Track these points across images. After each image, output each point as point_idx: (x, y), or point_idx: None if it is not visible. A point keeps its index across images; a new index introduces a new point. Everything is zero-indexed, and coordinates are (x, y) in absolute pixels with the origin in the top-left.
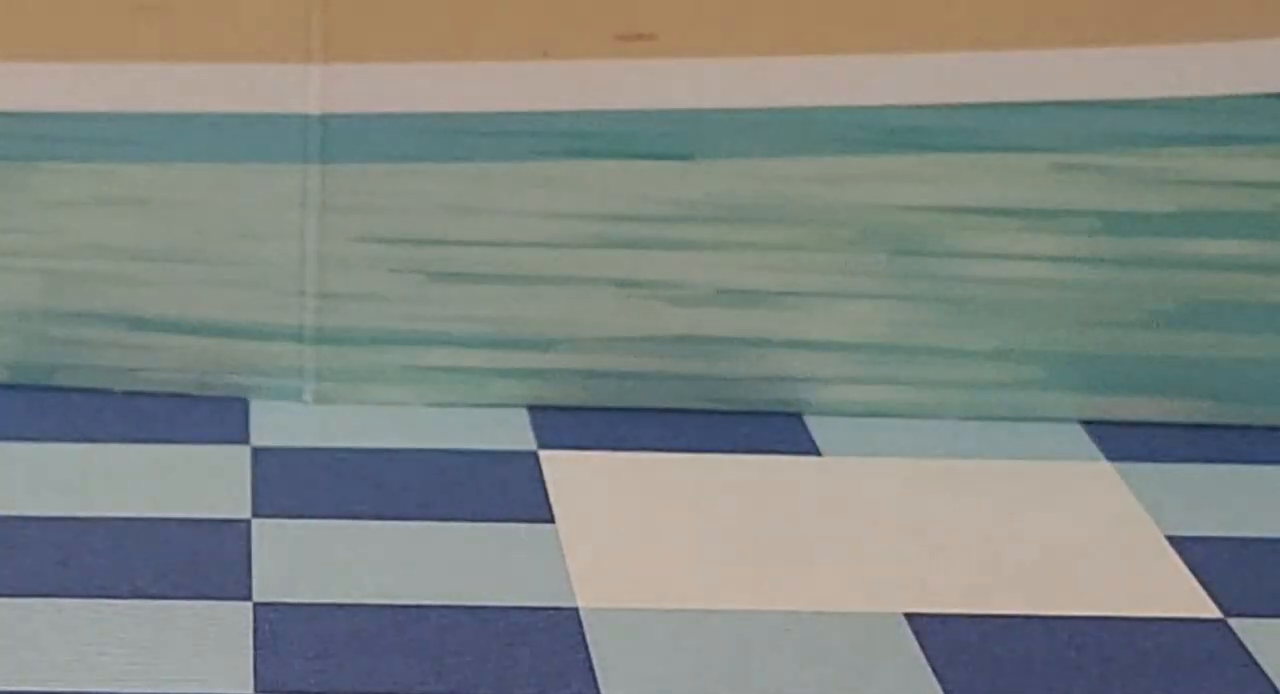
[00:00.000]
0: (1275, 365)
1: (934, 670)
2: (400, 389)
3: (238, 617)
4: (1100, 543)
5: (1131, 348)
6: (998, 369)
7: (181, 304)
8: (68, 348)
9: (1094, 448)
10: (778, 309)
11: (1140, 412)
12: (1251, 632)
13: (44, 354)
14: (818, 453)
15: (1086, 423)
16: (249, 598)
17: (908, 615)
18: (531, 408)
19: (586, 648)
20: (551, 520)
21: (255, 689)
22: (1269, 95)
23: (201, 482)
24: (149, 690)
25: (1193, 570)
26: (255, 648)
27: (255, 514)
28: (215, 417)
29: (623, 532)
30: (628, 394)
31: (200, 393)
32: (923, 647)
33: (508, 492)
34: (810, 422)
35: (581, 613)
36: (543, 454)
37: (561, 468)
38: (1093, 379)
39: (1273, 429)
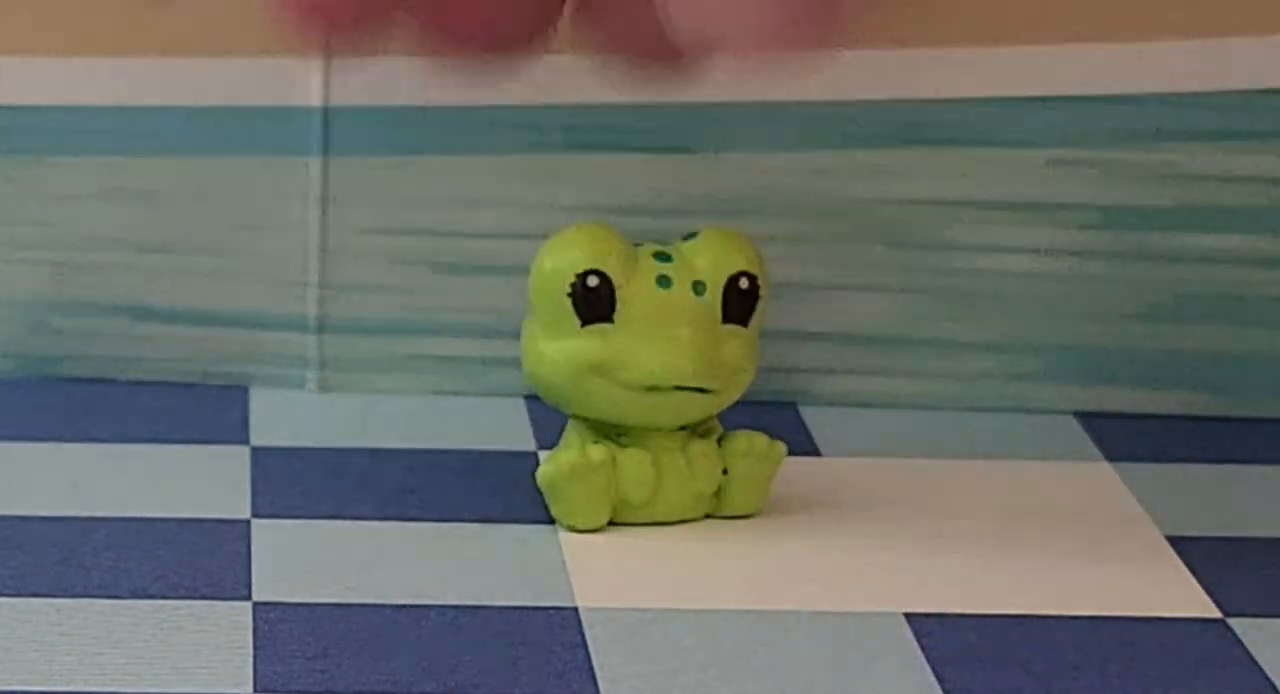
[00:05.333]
0: (1269, 359)
1: (934, 670)
2: (402, 378)
3: (238, 617)
4: (1100, 543)
5: (1127, 341)
6: (994, 362)
7: (186, 295)
8: (73, 339)
9: (1091, 444)
10: (776, 301)
11: (1136, 405)
12: (1251, 632)
13: (50, 345)
14: (814, 444)
15: (1082, 415)
16: (249, 598)
17: (908, 615)
18: (531, 398)
19: (586, 648)
20: (551, 520)
21: (255, 689)
22: (1265, 91)
23: (201, 481)
24: (149, 690)
25: (1193, 570)
26: (255, 648)
27: (255, 514)
28: (218, 407)
29: (622, 532)
30: None
31: (204, 382)
32: (923, 647)
33: (508, 492)
34: (806, 413)
35: (581, 613)
36: (543, 454)
37: None
38: (1089, 372)
39: (1267, 422)
